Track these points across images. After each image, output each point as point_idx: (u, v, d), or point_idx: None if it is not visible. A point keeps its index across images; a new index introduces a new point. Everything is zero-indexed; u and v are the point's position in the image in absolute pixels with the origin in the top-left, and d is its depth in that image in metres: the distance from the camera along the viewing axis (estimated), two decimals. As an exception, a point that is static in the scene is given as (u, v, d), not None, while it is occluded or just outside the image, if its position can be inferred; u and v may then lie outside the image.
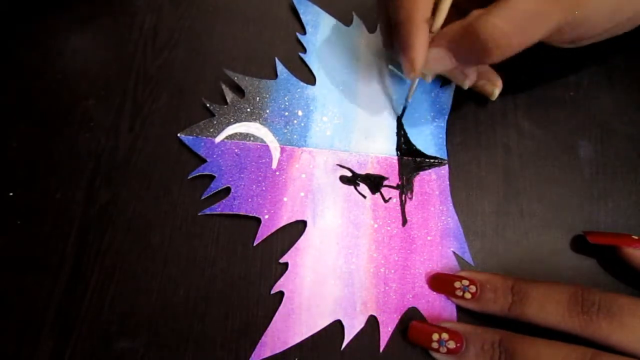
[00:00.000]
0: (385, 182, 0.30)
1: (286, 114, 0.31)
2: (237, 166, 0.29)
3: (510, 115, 0.32)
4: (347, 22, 0.34)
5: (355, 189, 0.29)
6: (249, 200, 0.28)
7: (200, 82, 0.32)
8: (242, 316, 0.27)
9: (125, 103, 0.31)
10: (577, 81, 0.32)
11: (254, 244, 0.28)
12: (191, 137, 0.30)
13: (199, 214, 0.28)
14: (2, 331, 0.26)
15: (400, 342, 0.26)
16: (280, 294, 0.27)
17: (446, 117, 0.31)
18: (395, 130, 0.31)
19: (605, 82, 0.32)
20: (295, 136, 0.30)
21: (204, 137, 0.30)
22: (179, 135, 0.30)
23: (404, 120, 0.31)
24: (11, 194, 0.29)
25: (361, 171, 0.30)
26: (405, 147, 0.30)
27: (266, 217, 0.28)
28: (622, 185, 0.30)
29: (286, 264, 0.27)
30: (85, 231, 0.28)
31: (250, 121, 0.30)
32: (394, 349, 0.26)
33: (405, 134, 0.31)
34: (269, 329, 0.26)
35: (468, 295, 0.26)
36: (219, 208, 0.28)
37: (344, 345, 0.26)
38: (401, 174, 0.30)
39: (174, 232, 0.28)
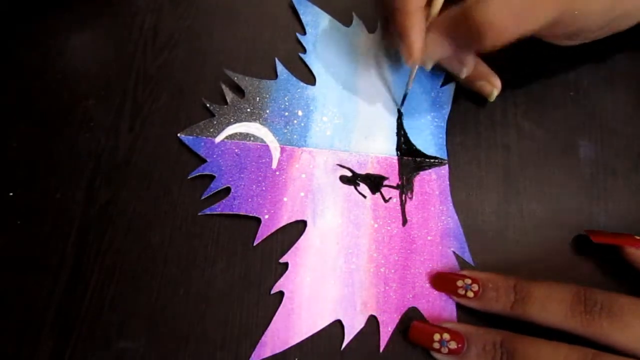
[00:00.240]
0: (386, 182, 0.30)
1: (286, 114, 0.31)
2: (237, 166, 0.29)
3: (510, 115, 0.32)
4: (347, 22, 0.34)
5: (356, 188, 0.29)
6: (249, 200, 0.28)
7: (200, 82, 0.32)
8: (242, 316, 0.27)
9: (125, 103, 0.31)
10: (577, 81, 0.32)
11: (254, 244, 0.28)
12: (191, 137, 0.30)
13: (199, 214, 0.28)
14: (2, 331, 0.26)
15: (400, 342, 0.26)
16: (280, 294, 0.27)
17: (446, 117, 0.31)
18: (395, 130, 0.31)
19: (605, 82, 0.32)
20: (295, 136, 0.30)
21: (204, 137, 0.30)
22: (179, 135, 0.30)
23: (404, 120, 0.31)
24: (11, 194, 0.29)
25: (361, 171, 0.30)
26: (405, 147, 0.30)
27: (266, 217, 0.28)
28: (622, 185, 0.30)
29: (286, 264, 0.27)
30: (85, 231, 0.28)
31: (251, 121, 0.30)
32: (394, 349, 0.26)
33: (405, 133, 0.31)
34: (269, 328, 0.26)
35: (470, 294, 0.26)
36: (219, 208, 0.28)
37: (344, 345, 0.26)
38: (401, 173, 0.30)
39: (174, 232, 0.28)
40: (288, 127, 0.30)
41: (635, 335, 0.23)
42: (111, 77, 0.32)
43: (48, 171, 0.29)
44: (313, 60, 0.32)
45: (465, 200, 0.29)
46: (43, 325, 0.26)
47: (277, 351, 0.26)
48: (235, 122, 0.30)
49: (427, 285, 0.27)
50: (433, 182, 0.30)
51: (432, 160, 0.30)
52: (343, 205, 0.29)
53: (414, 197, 0.29)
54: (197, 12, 0.34)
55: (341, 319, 0.26)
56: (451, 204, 0.29)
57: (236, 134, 0.30)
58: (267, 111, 0.31)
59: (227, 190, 0.29)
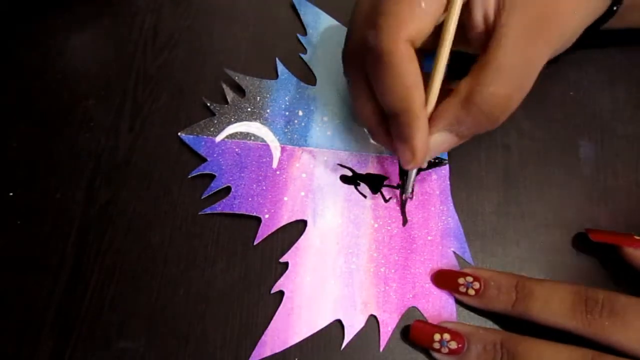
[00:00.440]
0: (386, 182, 0.30)
1: (287, 113, 0.31)
2: (238, 165, 0.29)
3: (510, 115, 0.31)
4: (347, 22, 0.34)
5: (356, 188, 0.29)
6: (249, 199, 0.28)
7: (200, 82, 0.32)
8: (242, 316, 0.27)
9: (125, 103, 0.31)
10: (577, 81, 0.32)
11: (254, 244, 0.28)
12: (191, 136, 0.30)
13: (199, 213, 0.28)
14: (2, 331, 0.26)
15: (400, 342, 0.26)
16: (280, 293, 0.27)
17: (446, 117, 0.31)
18: (395, 130, 0.31)
19: (605, 82, 0.32)
20: (295, 136, 0.30)
21: (205, 136, 0.30)
22: (179, 134, 0.30)
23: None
24: (11, 194, 0.29)
25: (362, 171, 0.30)
26: (405, 147, 0.30)
27: (266, 216, 0.28)
28: (622, 185, 0.30)
29: (286, 264, 0.27)
30: (85, 231, 0.28)
31: (251, 121, 0.31)
32: (394, 349, 0.26)
33: (406, 133, 0.31)
34: (269, 328, 0.26)
35: (472, 292, 0.26)
36: (219, 207, 0.28)
37: (344, 345, 0.26)
38: (401, 173, 0.30)
39: (174, 232, 0.28)
40: (288, 126, 0.30)
41: (637, 335, 0.23)
42: (111, 77, 0.32)
43: (48, 171, 0.29)
44: (314, 61, 0.33)
45: (465, 200, 0.29)
46: (43, 325, 0.26)
47: (277, 351, 0.26)
48: (235, 122, 0.30)
49: (428, 285, 0.27)
50: (433, 182, 0.30)
51: (432, 160, 0.30)
52: (343, 205, 0.29)
53: (414, 197, 0.29)
54: (197, 12, 0.34)
55: (341, 318, 0.26)
56: (451, 204, 0.29)
57: (237, 133, 0.30)
58: (268, 111, 0.31)
59: (228, 190, 0.29)
